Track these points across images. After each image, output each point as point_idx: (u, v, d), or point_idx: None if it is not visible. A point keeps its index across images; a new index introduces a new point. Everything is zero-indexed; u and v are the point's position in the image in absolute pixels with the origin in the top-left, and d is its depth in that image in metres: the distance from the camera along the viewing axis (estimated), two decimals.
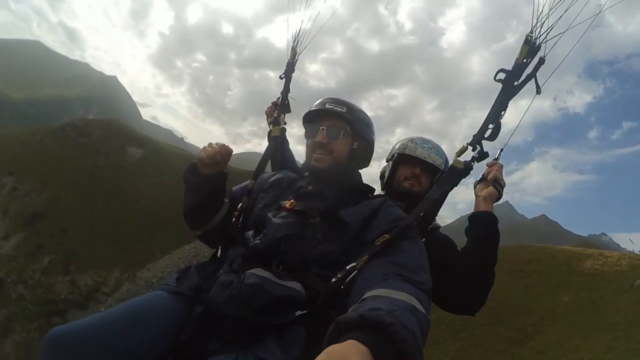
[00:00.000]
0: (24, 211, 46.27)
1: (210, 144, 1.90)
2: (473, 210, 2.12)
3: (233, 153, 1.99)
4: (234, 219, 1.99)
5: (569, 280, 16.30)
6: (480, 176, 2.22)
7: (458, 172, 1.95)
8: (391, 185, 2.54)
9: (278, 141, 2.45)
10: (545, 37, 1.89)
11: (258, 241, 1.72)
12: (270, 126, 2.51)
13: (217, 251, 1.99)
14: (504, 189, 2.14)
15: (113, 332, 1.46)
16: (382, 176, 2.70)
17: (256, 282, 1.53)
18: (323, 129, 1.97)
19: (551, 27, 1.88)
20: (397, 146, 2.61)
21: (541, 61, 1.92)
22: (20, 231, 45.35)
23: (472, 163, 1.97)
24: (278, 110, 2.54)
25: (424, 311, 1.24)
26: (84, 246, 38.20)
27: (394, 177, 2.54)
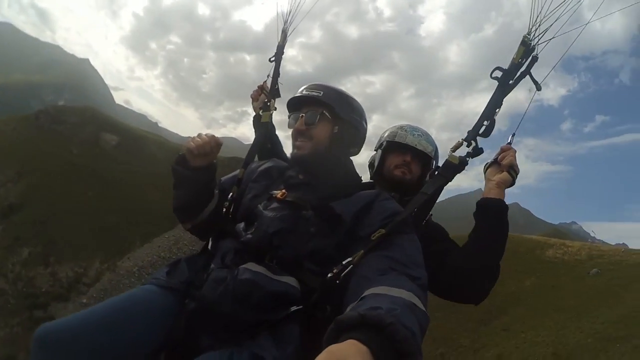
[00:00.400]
0: (0, 203, 46.07)
1: (199, 135, 1.87)
2: (482, 195, 2.04)
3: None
4: (224, 210, 1.95)
5: (532, 267, 17.50)
6: (492, 159, 2.11)
7: (453, 167, 1.94)
8: (381, 174, 2.47)
9: (268, 128, 2.43)
10: (540, 39, 1.93)
11: (250, 236, 1.69)
12: (260, 111, 2.46)
13: (207, 243, 1.93)
14: (517, 176, 2.04)
15: (102, 328, 1.44)
16: (371, 165, 2.61)
17: (250, 278, 1.51)
18: (302, 115, 1.92)
19: (546, 30, 1.91)
20: (386, 134, 2.56)
21: (534, 59, 1.95)
22: None
23: (467, 159, 1.97)
24: (268, 95, 2.49)
25: (423, 308, 1.24)
26: (63, 237, 37.91)
27: (384, 165, 2.47)
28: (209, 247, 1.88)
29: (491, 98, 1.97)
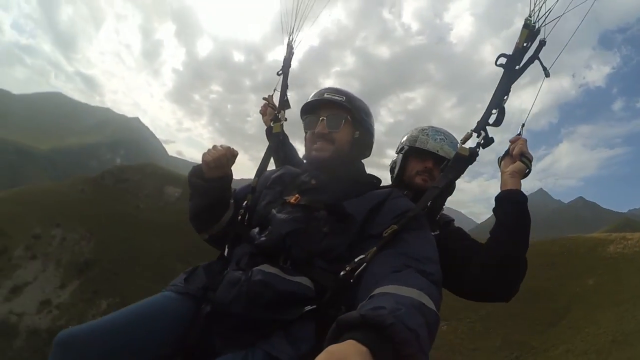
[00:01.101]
0: (76, 260, 48.89)
1: (215, 147, 1.86)
2: (500, 189, 1.92)
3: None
4: (239, 217, 1.95)
5: (593, 266, 17.77)
6: (504, 152, 2.00)
7: (464, 160, 1.88)
8: (402, 180, 2.36)
9: (280, 138, 2.41)
10: (545, 20, 1.82)
11: (264, 238, 1.68)
12: (271, 123, 2.46)
13: (224, 250, 1.91)
14: (531, 163, 1.93)
15: (120, 334, 1.45)
16: (392, 169, 2.48)
17: (263, 279, 1.49)
18: (323, 119, 1.90)
19: (550, 10, 1.81)
20: (406, 138, 2.43)
21: (542, 43, 1.85)
22: (75, 279, 48.30)
23: (477, 149, 1.89)
24: (278, 107, 2.50)
25: (433, 307, 1.20)
26: (137, 287, 39.97)
27: (405, 171, 2.36)
28: (225, 253, 1.87)
29: (498, 86, 1.90)
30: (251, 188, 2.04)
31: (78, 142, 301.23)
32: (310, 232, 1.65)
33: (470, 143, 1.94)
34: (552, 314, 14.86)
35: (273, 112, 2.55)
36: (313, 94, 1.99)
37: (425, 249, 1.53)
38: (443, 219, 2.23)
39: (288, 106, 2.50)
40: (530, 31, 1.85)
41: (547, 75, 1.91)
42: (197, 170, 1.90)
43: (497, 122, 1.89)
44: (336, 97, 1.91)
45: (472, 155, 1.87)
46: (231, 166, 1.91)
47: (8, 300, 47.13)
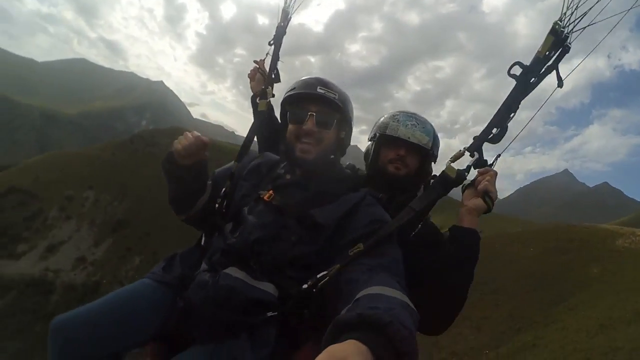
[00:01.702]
0: (109, 220, 52.27)
1: (185, 135, 1.78)
2: (456, 221, 1.79)
3: None
4: (217, 205, 1.88)
5: (600, 255, 18.93)
6: (470, 180, 1.80)
7: (449, 182, 1.71)
8: (376, 168, 2.26)
9: (264, 116, 2.23)
10: (575, 25, 1.58)
11: (234, 240, 1.65)
12: (258, 99, 2.26)
13: (201, 238, 1.92)
14: (494, 203, 1.75)
15: (104, 319, 1.58)
16: (366, 157, 2.37)
17: (229, 284, 1.51)
18: (312, 114, 1.77)
19: (584, 14, 1.56)
20: (378, 124, 2.33)
21: (565, 50, 1.61)
22: (108, 237, 51.74)
23: (466, 173, 1.73)
24: (266, 81, 2.31)
25: (414, 307, 1.23)
26: (167, 246, 41.48)
27: (378, 159, 2.25)
28: (202, 242, 1.90)
29: (506, 100, 1.70)
30: (230, 174, 1.96)
31: (104, 106, 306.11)
32: (279, 240, 1.63)
33: (462, 161, 1.78)
34: (556, 295, 16.13)
35: (262, 80, 2.45)
36: (301, 84, 1.84)
37: (394, 259, 1.53)
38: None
39: (278, 80, 2.35)
40: (556, 38, 1.60)
41: (560, 86, 1.69)
42: (169, 156, 1.82)
43: (495, 140, 1.73)
44: (330, 94, 1.78)
45: (459, 178, 1.73)
46: (203, 153, 1.82)
47: (44, 258, 50.61)
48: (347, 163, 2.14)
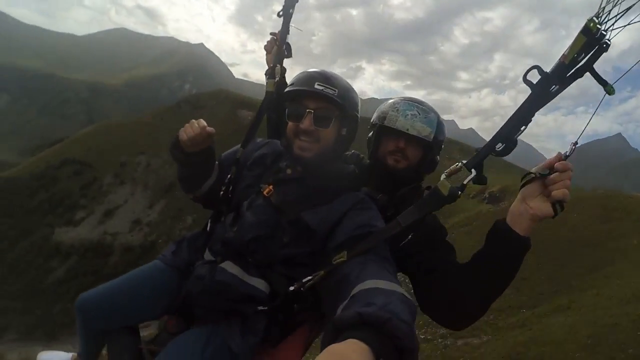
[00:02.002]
0: (161, 182, 54.20)
1: (191, 124, 1.78)
2: (508, 218, 1.46)
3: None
4: (222, 192, 1.91)
5: None
6: (537, 170, 1.38)
7: (440, 199, 1.53)
8: (376, 158, 2.13)
9: (273, 97, 2.11)
10: (615, 22, 1.27)
11: (232, 234, 1.71)
12: (267, 78, 2.18)
13: (207, 224, 1.96)
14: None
15: (118, 297, 1.85)
16: (368, 144, 2.22)
17: (223, 280, 1.60)
18: (310, 112, 1.72)
19: (628, 9, 1.25)
20: (376, 114, 2.19)
21: (603, 49, 1.30)
22: (162, 199, 53.69)
23: (459, 193, 1.51)
24: (274, 60, 2.23)
25: (410, 297, 1.20)
26: None
27: (378, 149, 2.13)
28: (208, 227, 1.93)
29: (519, 110, 1.44)
30: (235, 160, 1.96)
31: (146, 73, 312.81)
32: (272, 239, 1.66)
33: (460, 176, 1.59)
34: (594, 262, 16.11)
35: (279, 51, 2.29)
36: (299, 80, 1.78)
37: (384, 255, 1.49)
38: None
39: (289, 55, 2.28)
40: (590, 38, 1.29)
41: (609, 92, 1.33)
42: (176, 142, 1.83)
43: (503, 153, 1.52)
44: (328, 91, 1.71)
45: (452, 196, 1.53)
46: (209, 143, 1.82)
47: (102, 223, 53.91)
48: (352, 152, 2.17)
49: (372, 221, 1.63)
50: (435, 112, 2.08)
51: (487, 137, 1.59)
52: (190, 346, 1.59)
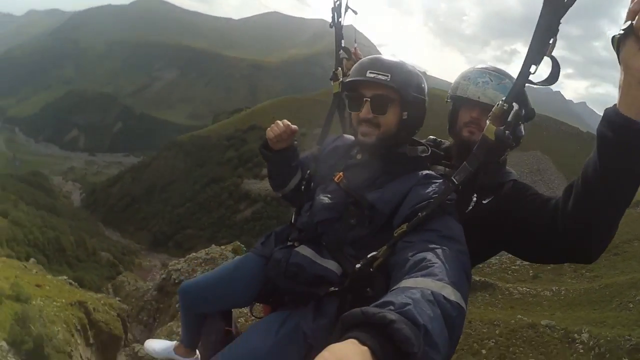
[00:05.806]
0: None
1: (277, 124, 1.99)
2: (618, 101, 1.20)
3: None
4: (303, 187, 2.10)
5: None
6: (625, 26, 1.12)
7: (488, 147, 1.53)
8: (453, 133, 2.09)
9: (342, 97, 2.17)
10: None
11: (304, 220, 1.88)
12: (332, 82, 2.31)
13: (292, 217, 2.10)
14: None
15: (215, 285, 2.11)
16: (449, 119, 2.14)
17: (297, 262, 1.74)
18: (367, 100, 1.75)
19: None
20: (454, 82, 2.10)
21: None
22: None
23: (507, 132, 1.48)
24: (335, 63, 2.35)
25: (454, 298, 1.15)
26: None
27: (455, 123, 2.07)
28: (293, 220, 2.07)
29: (540, 19, 1.37)
30: (314, 157, 2.11)
31: (300, 53, 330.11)
32: (340, 221, 1.74)
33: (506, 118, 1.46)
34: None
35: (336, 56, 2.36)
36: (354, 70, 1.82)
37: (448, 229, 1.46)
38: (497, 181, 1.88)
39: (349, 57, 2.38)
40: None
41: None
42: (265, 142, 2.07)
43: (544, 82, 1.38)
44: (380, 77, 1.69)
45: (499, 139, 1.48)
46: (293, 140, 2.04)
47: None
48: (429, 137, 2.21)
49: (435, 193, 1.60)
50: (511, 77, 1.94)
51: None
52: (266, 327, 1.77)
